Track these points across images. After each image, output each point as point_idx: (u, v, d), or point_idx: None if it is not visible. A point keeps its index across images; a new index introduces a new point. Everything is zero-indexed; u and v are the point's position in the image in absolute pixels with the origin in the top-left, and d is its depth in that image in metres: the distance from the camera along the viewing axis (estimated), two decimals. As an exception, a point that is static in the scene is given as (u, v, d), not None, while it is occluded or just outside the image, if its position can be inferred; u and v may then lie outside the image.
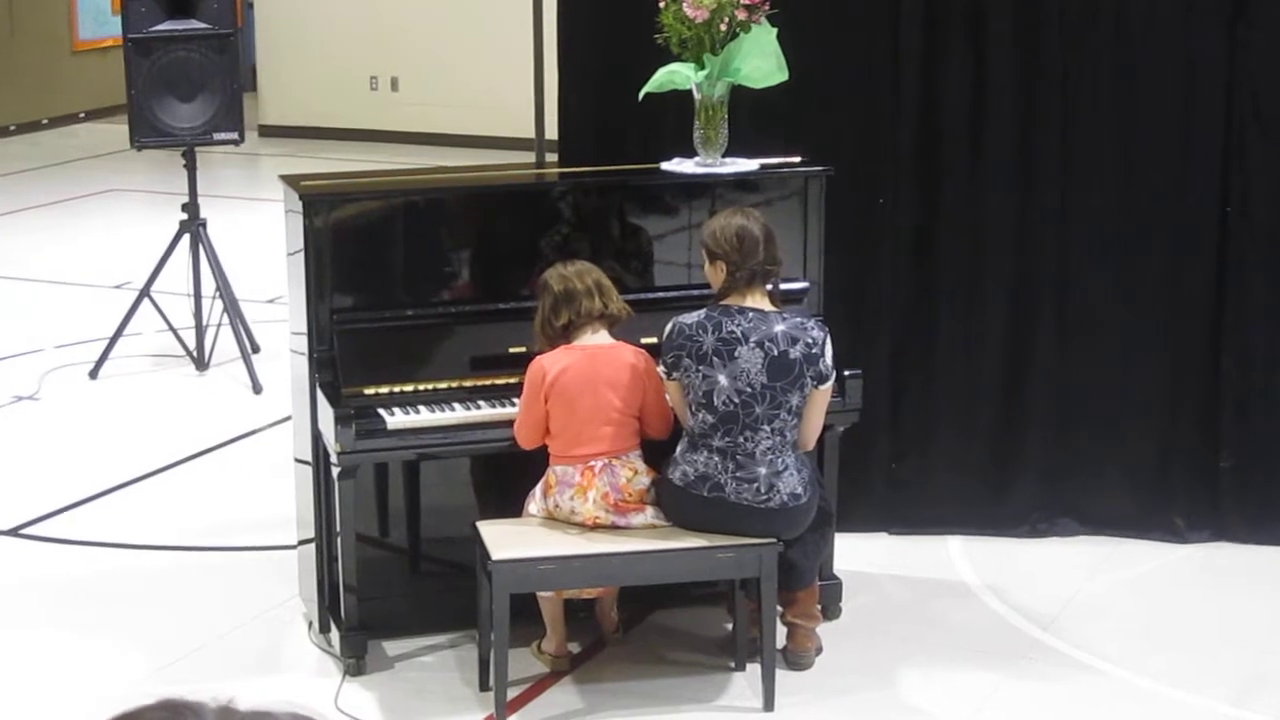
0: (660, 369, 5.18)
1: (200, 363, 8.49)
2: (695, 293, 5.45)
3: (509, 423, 5.23)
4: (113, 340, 8.42)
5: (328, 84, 14.95)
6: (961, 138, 6.27)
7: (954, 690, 5.32)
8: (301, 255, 5.39)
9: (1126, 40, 6.19)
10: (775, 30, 5.56)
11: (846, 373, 5.45)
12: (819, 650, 5.50)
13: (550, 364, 5.14)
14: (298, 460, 5.73)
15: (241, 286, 8.68)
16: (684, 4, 5.46)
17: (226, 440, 7.57)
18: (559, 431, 5.15)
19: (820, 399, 5.18)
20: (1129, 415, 6.36)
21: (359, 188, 5.93)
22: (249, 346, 8.40)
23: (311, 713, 1.54)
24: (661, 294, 5.65)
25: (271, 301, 9.17)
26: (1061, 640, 5.63)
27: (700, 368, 5.07)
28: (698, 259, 5.34)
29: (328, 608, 5.55)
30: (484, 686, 5.24)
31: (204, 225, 8.38)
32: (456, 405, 5.32)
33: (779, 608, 5.30)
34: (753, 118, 5.86)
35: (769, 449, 5.08)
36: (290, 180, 5.59)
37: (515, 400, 5.26)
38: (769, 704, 5.16)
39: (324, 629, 5.58)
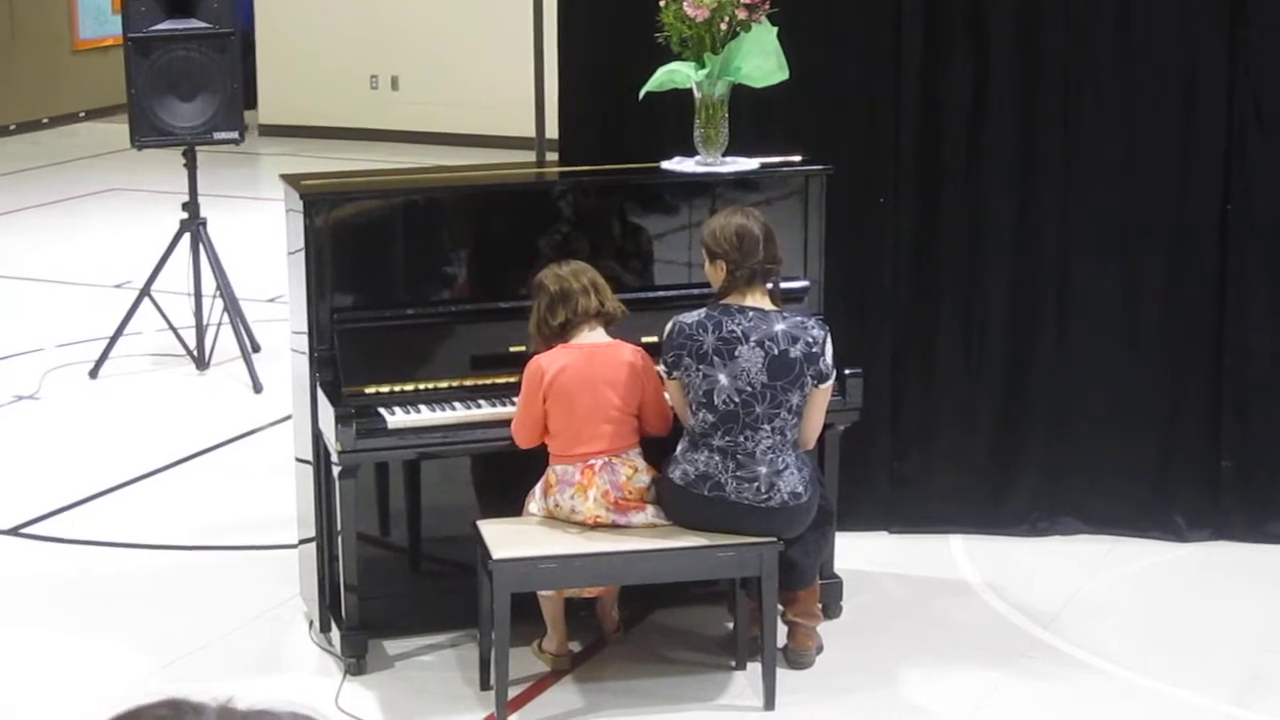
0: (660, 368, 5.18)
1: (201, 362, 8.49)
2: (696, 292, 5.45)
3: (509, 422, 5.23)
4: (113, 339, 8.42)
5: (328, 83, 14.96)
6: (962, 137, 6.28)
7: (955, 688, 5.33)
8: (302, 254, 5.40)
9: (1127, 39, 6.19)
10: (776, 29, 5.56)
11: (847, 371, 5.45)
12: (820, 649, 5.50)
13: (548, 363, 5.14)
14: (298, 459, 5.73)
15: (242, 286, 8.69)
16: (684, 3, 5.46)
17: (227, 440, 7.57)
18: (558, 430, 5.15)
19: (821, 398, 5.18)
20: (1129, 414, 6.36)
21: (359, 187, 5.93)
22: (249, 346, 8.40)
23: (312, 711, 1.54)
24: (662, 293, 5.65)
25: (272, 301, 9.17)
26: (1062, 639, 5.64)
27: (700, 367, 5.07)
28: (698, 258, 5.35)
29: (328, 607, 5.55)
30: (485, 685, 5.24)
31: (204, 224, 8.38)
32: (457, 404, 5.32)
33: (780, 606, 5.31)
34: (753, 117, 5.86)
35: (769, 448, 5.08)
36: (291, 179, 5.60)
37: (516, 399, 5.26)
38: (770, 703, 5.16)
39: (325, 628, 5.58)
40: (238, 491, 6.99)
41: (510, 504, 5.33)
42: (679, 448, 5.18)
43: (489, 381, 5.39)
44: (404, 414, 5.24)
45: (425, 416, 5.26)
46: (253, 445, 7.53)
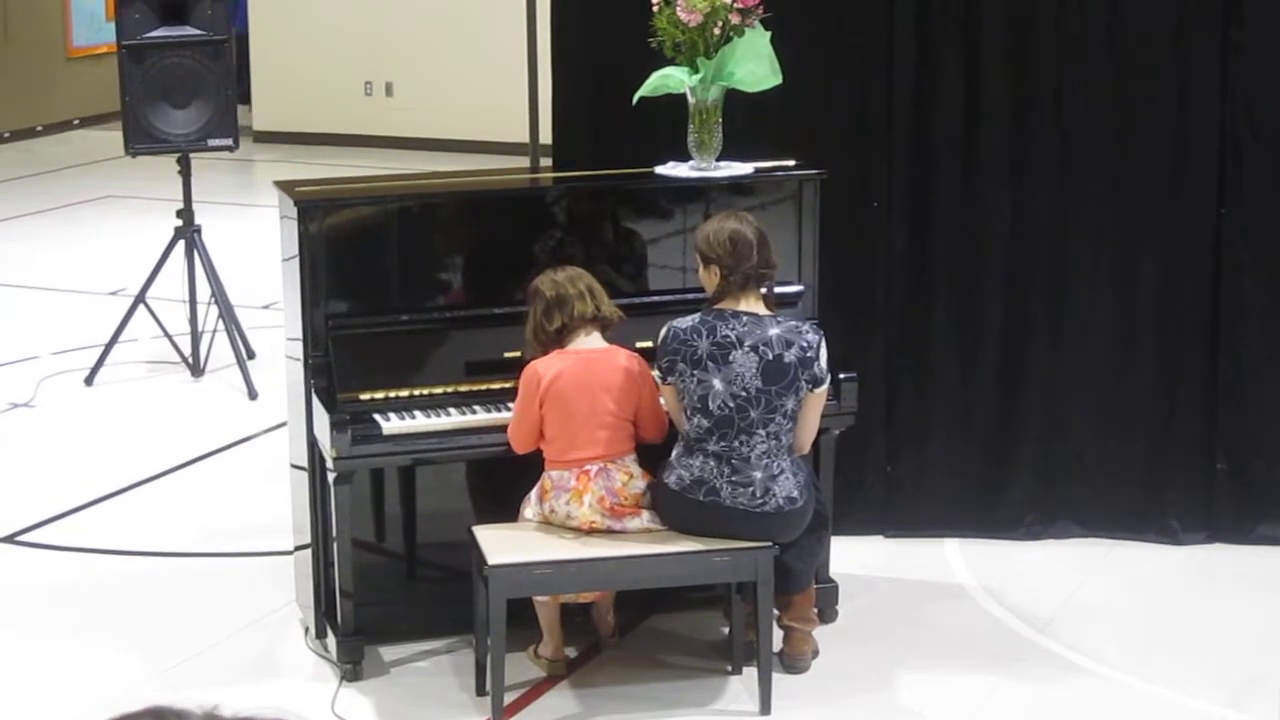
0: (655, 374, 5.19)
1: (196, 369, 8.49)
2: (690, 297, 5.46)
3: (504, 428, 5.23)
4: (108, 347, 8.42)
5: (322, 89, 14.95)
6: (955, 141, 6.28)
7: (951, 693, 5.33)
8: (296, 261, 5.40)
9: (1120, 44, 6.19)
10: (769, 34, 5.57)
11: (841, 376, 5.45)
12: (815, 653, 5.50)
13: (545, 369, 5.14)
14: (294, 466, 5.73)
15: (236, 292, 8.68)
16: (678, 8, 5.47)
17: (222, 446, 7.57)
18: (554, 436, 5.15)
19: (815, 402, 5.19)
20: (1124, 417, 6.36)
21: (354, 193, 5.94)
22: (244, 352, 8.40)
23: (297, 718, 1.55)
24: (656, 298, 5.66)
25: (267, 307, 9.17)
26: (1057, 642, 5.64)
27: (695, 372, 5.08)
28: (692, 263, 5.35)
29: (324, 613, 5.55)
30: (480, 691, 5.24)
31: (199, 231, 8.38)
32: (452, 410, 5.32)
33: (775, 611, 5.31)
34: (747, 122, 5.86)
35: (764, 453, 5.08)
36: (285, 186, 5.60)
37: (510, 405, 5.26)
38: (765, 707, 5.16)
39: (320, 634, 5.58)
40: (233, 498, 6.99)
41: (506, 510, 5.33)
42: (674, 453, 5.18)
43: (484, 387, 5.40)
44: (399, 420, 5.25)
45: (420, 422, 5.26)
46: (248, 452, 7.52)
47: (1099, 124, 6.23)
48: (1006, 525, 6.40)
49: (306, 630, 5.68)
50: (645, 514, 5.17)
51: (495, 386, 5.39)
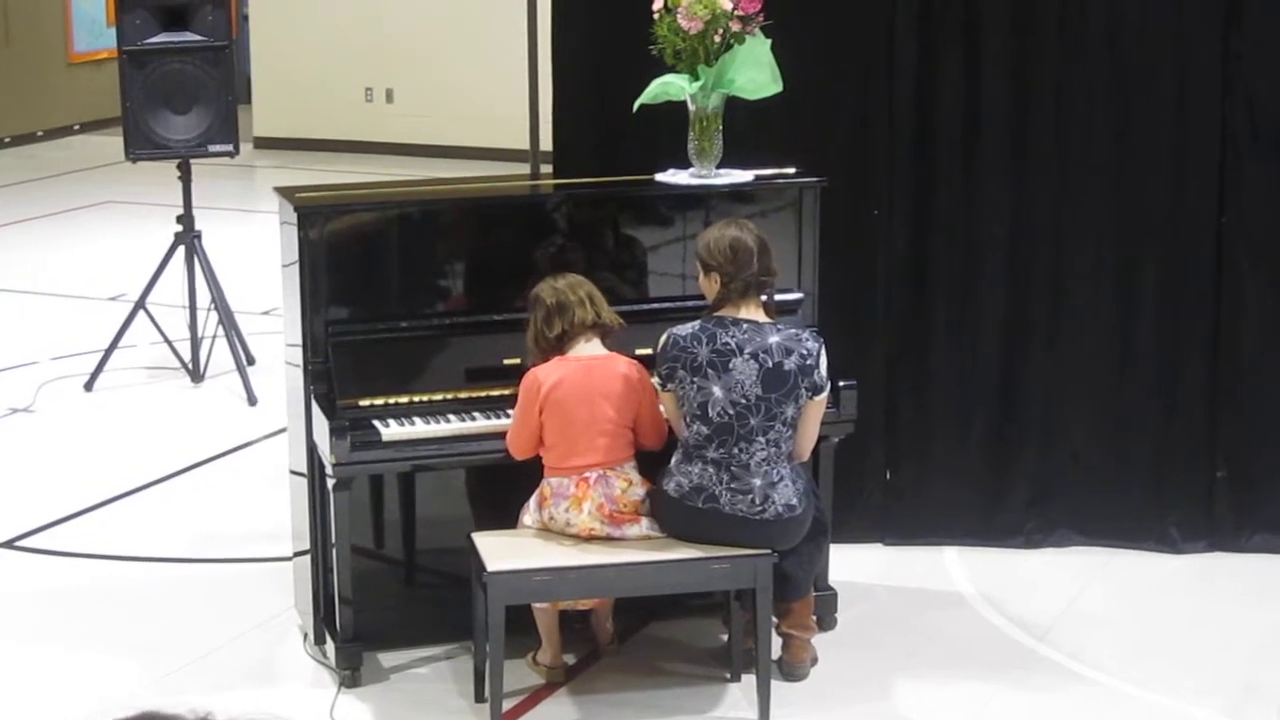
0: (655, 380, 5.19)
1: (195, 375, 8.49)
2: (690, 304, 5.46)
3: (504, 434, 5.23)
4: (108, 352, 8.42)
5: (322, 96, 14.96)
6: (956, 148, 6.28)
7: (949, 701, 5.33)
8: (296, 267, 5.40)
9: (1121, 49, 6.20)
10: (769, 41, 5.57)
11: (841, 383, 5.46)
12: (814, 661, 5.50)
13: (545, 376, 5.15)
14: (293, 472, 5.73)
15: (236, 298, 8.69)
16: (679, 15, 5.47)
17: (222, 452, 7.57)
18: (554, 443, 5.15)
19: (815, 410, 5.19)
20: (1123, 425, 6.36)
21: (354, 199, 5.94)
22: (244, 358, 8.40)
23: None
24: (656, 305, 5.66)
25: (266, 313, 9.17)
26: (1057, 650, 5.64)
27: (695, 379, 5.08)
28: (692, 270, 5.35)
29: (323, 619, 5.55)
30: (479, 698, 5.24)
31: (199, 237, 8.38)
32: (451, 417, 5.32)
33: (774, 618, 5.31)
34: (747, 129, 5.87)
35: (764, 460, 5.08)
36: (285, 192, 5.60)
37: (510, 412, 5.26)
38: (764, 715, 5.16)
39: (319, 641, 5.58)
40: (232, 504, 6.99)
41: (505, 516, 5.33)
42: (673, 460, 5.18)
43: (483, 394, 5.40)
44: (398, 426, 5.25)
45: (420, 429, 5.26)
46: (247, 458, 7.53)
47: (1099, 131, 6.23)
48: (1006, 533, 6.40)
49: (305, 636, 5.68)
50: (644, 521, 5.17)
51: (495, 393, 5.39)
